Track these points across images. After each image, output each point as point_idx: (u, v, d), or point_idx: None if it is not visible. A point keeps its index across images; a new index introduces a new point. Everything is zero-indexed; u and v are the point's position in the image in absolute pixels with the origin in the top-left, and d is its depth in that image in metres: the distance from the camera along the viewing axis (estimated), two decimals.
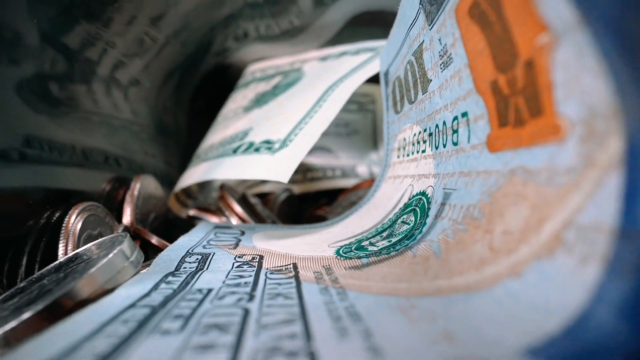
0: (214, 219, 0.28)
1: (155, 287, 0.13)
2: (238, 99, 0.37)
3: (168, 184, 0.36)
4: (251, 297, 0.11)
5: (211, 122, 0.40)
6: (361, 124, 0.43)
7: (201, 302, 0.11)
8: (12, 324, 0.11)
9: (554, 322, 0.07)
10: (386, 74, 0.24)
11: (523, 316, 0.08)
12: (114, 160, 0.31)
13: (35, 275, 0.16)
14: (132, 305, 0.11)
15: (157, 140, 0.38)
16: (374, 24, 0.36)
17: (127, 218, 0.24)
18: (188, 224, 0.31)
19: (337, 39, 0.38)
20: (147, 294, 0.12)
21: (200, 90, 0.43)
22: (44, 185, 0.24)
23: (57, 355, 0.07)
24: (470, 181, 0.13)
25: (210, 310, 0.10)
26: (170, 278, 0.14)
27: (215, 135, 0.32)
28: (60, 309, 0.12)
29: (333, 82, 0.27)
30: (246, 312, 0.10)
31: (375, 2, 0.34)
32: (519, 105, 0.10)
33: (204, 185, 0.37)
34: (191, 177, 0.29)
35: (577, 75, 0.08)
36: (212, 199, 0.36)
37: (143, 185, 0.26)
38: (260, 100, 0.32)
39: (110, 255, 0.13)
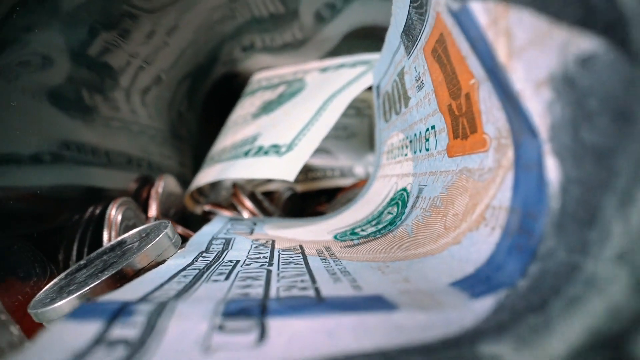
0: (227, 213, 0.32)
1: (195, 259, 0.17)
2: (246, 106, 0.41)
3: (182, 183, 0.40)
4: (270, 264, 0.15)
5: (220, 126, 0.44)
6: (359, 127, 0.47)
7: (234, 267, 0.15)
8: (94, 283, 0.16)
9: (471, 267, 0.11)
10: (378, 87, 0.28)
11: (455, 266, 0.12)
12: (135, 161, 0.35)
13: (92, 255, 0.20)
14: (184, 269, 0.15)
15: (172, 143, 0.43)
16: (369, 37, 0.40)
17: (153, 212, 0.29)
18: (202, 219, 0.35)
19: (336, 51, 0.42)
20: (191, 263, 0.16)
21: (210, 97, 0.47)
22: (82, 183, 0.28)
23: (151, 290, 0.12)
24: (436, 179, 0.17)
25: (242, 270, 0.14)
26: (204, 254, 0.18)
27: (227, 139, 0.37)
28: (125, 275, 0.16)
29: (332, 93, 0.31)
30: (269, 271, 0.14)
31: (369, 19, 0.38)
32: (464, 124, 0.14)
33: (214, 185, 0.41)
34: (206, 176, 0.33)
35: (490, 108, 0.12)
36: (221, 196, 0.41)
37: (166, 184, 0.31)
38: (267, 108, 0.36)
39: (160, 236, 0.18)
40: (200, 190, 0.39)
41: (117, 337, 0.08)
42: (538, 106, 0.09)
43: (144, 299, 0.10)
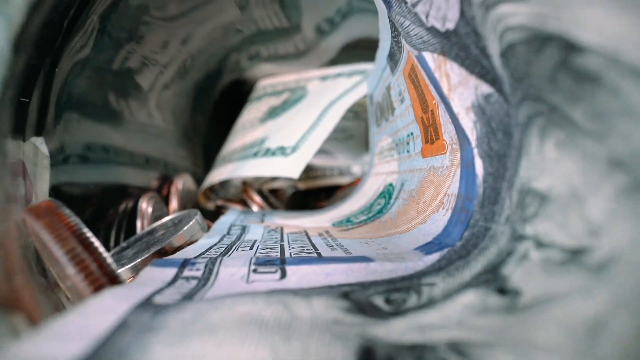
0: (238, 207, 0.36)
1: (221, 239, 0.21)
2: (253, 111, 0.45)
3: (195, 181, 0.44)
4: (282, 241, 0.20)
5: (228, 129, 0.49)
6: (356, 130, 0.52)
7: (254, 243, 0.20)
8: (144, 257, 0.20)
9: (430, 237, 0.16)
10: (371, 96, 0.33)
11: (420, 238, 0.17)
12: (153, 161, 0.40)
13: (131, 239, 0.25)
14: (215, 244, 0.19)
15: (185, 145, 0.47)
16: (364, 48, 0.45)
17: (174, 205, 0.33)
18: (214, 213, 0.39)
19: (335, 60, 0.47)
20: (219, 242, 0.20)
21: (219, 101, 0.52)
22: (115, 180, 0.32)
23: (197, 255, 0.16)
24: (413, 175, 0.22)
25: (261, 245, 0.19)
26: (227, 236, 0.22)
27: (236, 141, 0.41)
28: (166, 252, 0.21)
29: (331, 101, 0.36)
30: (282, 245, 0.19)
31: (364, 32, 0.43)
32: (431, 132, 0.19)
33: (224, 183, 0.46)
34: (219, 175, 0.37)
35: (446, 122, 0.17)
36: (230, 193, 0.45)
37: (184, 181, 0.35)
38: (273, 113, 0.41)
39: (192, 222, 0.22)
40: (211, 188, 0.43)
41: (188, 275, 0.13)
42: (469, 124, 0.14)
43: (196, 258, 0.15)
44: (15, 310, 0.12)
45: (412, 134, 0.22)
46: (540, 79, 0.09)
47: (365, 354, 0.08)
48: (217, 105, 0.52)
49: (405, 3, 0.13)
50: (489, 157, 0.13)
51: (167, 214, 0.32)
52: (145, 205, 0.28)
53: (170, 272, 0.13)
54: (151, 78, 0.40)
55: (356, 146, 0.51)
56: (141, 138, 0.39)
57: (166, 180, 0.36)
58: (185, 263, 0.14)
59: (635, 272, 0.07)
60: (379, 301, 0.11)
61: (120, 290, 0.10)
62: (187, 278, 0.13)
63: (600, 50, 0.07)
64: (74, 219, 0.12)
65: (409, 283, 0.12)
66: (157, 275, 0.13)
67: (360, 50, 0.45)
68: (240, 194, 0.40)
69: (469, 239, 0.14)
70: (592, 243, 0.08)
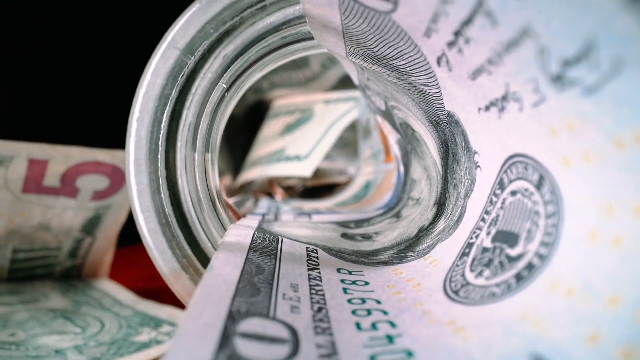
0: (265, 197, 0.54)
1: (266, 212, 0.39)
2: (271, 126, 0.63)
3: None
4: (304, 211, 0.37)
5: (250, 138, 0.66)
6: (352, 139, 0.69)
7: (289, 211, 0.37)
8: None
9: (383, 204, 0.34)
10: (360, 120, 0.51)
11: (378, 205, 0.34)
12: None
13: None
14: (267, 212, 0.37)
15: (219, 152, 0.65)
16: None
17: (223, 196, 0.51)
18: None
19: (335, 87, 0.64)
20: (267, 212, 0.38)
21: (244, 117, 0.69)
22: None
23: (264, 213, 0.34)
24: (380, 174, 0.39)
25: (295, 212, 0.36)
26: (270, 212, 0.40)
27: (261, 150, 0.59)
28: (243, 216, 0.38)
29: (332, 122, 0.53)
30: (308, 213, 0.36)
31: None
32: (387, 150, 0.37)
33: (250, 182, 0.63)
34: (251, 174, 0.55)
35: (392, 144, 0.34)
36: (253, 189, 0.63)
37: (227, 179, 0.53)
38: (289, 129, 0.58)
39: (251, 201, 0.40)
40: (240, 185, 0.61)
41: (268, 217, 0.30)
42: (395, 150, 0.31)
43: (266, 212, 0.33)
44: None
45: (380, 149, 0.40)
46: (409, 137, 0.27)
47: (344, 234, 0.26)
48: (242, 119, 0.70)
49: (367, 94, 0.31)
50: (404, 164, 0.31)
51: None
52: None
53: (259, 217, 0.30)
54: None
55: (352, 152, 0.68)
56: None
57: None
58: (264, 214, 0.31)
59: (424, 202, 0.25)
60: (351, 225, 0.29)
61: (250, 218, 0.28)
62: (268, 218, 0.30)
63: (417, 132, 0.25)
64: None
65: (366, 220, 0.30)
66: (254, 217, 0.30)
67: None
68: (264, 188, 0.57)
69: (395, 202, 0.31)
70: (420, 196, 0.26)
